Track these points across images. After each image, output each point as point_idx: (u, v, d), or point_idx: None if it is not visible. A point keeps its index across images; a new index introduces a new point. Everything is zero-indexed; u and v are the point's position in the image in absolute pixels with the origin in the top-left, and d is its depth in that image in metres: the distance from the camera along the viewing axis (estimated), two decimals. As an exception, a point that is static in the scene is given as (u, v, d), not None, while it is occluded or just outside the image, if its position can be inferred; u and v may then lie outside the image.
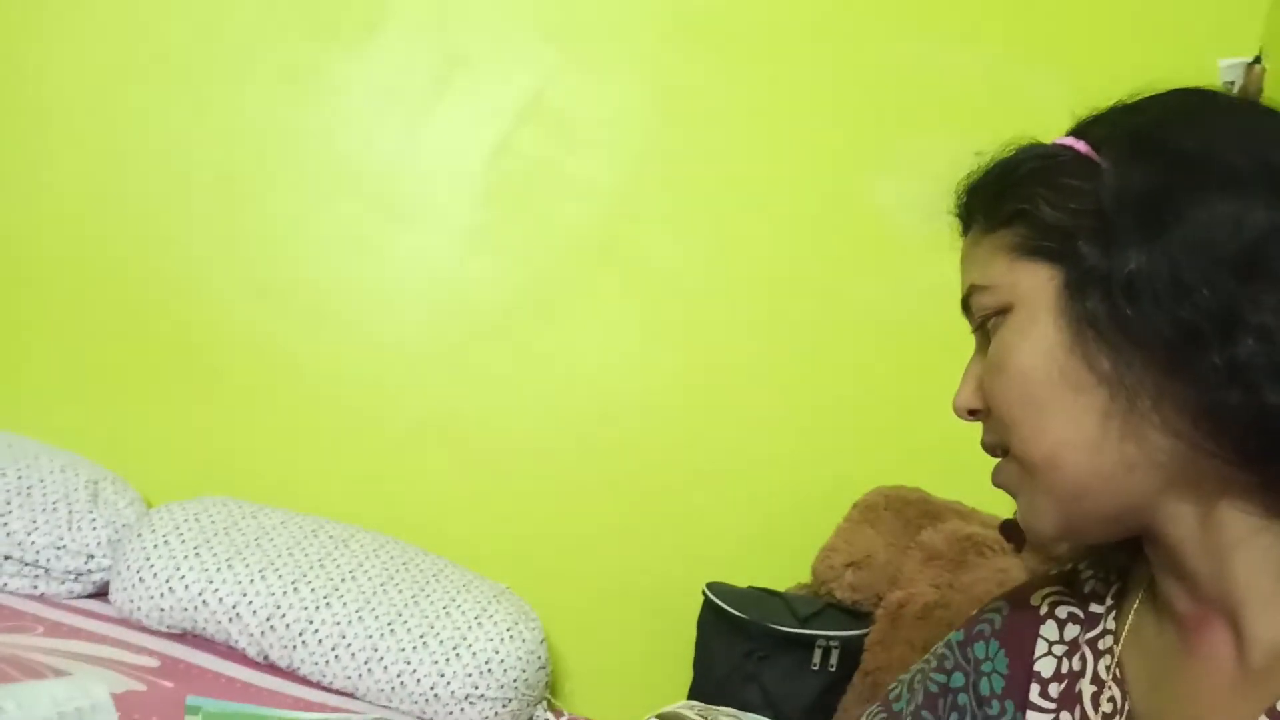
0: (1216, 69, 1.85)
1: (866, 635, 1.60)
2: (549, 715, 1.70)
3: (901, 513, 1.72)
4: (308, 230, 1.94)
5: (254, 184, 1.94)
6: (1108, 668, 0.64)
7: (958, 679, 0.72)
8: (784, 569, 1.81)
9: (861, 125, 1.89)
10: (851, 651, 1.60)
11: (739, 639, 1.65)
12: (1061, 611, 0.69)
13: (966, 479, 1.76)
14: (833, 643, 1.60)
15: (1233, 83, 1.85)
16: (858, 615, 1.65)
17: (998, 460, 0.66)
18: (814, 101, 1.90)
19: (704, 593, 1.73)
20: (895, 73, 1.88)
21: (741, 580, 1.78)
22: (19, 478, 1.70)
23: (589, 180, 1.91)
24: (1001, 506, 1.73)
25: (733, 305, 1.90)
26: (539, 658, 1.66)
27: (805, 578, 1.76)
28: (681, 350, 1.90)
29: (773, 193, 1.90)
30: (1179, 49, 1.85)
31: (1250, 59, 1.81)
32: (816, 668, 1.61)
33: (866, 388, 1.88)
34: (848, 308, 1.89)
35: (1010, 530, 1.60)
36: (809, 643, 1.60)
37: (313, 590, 1.62)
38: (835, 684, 1.60)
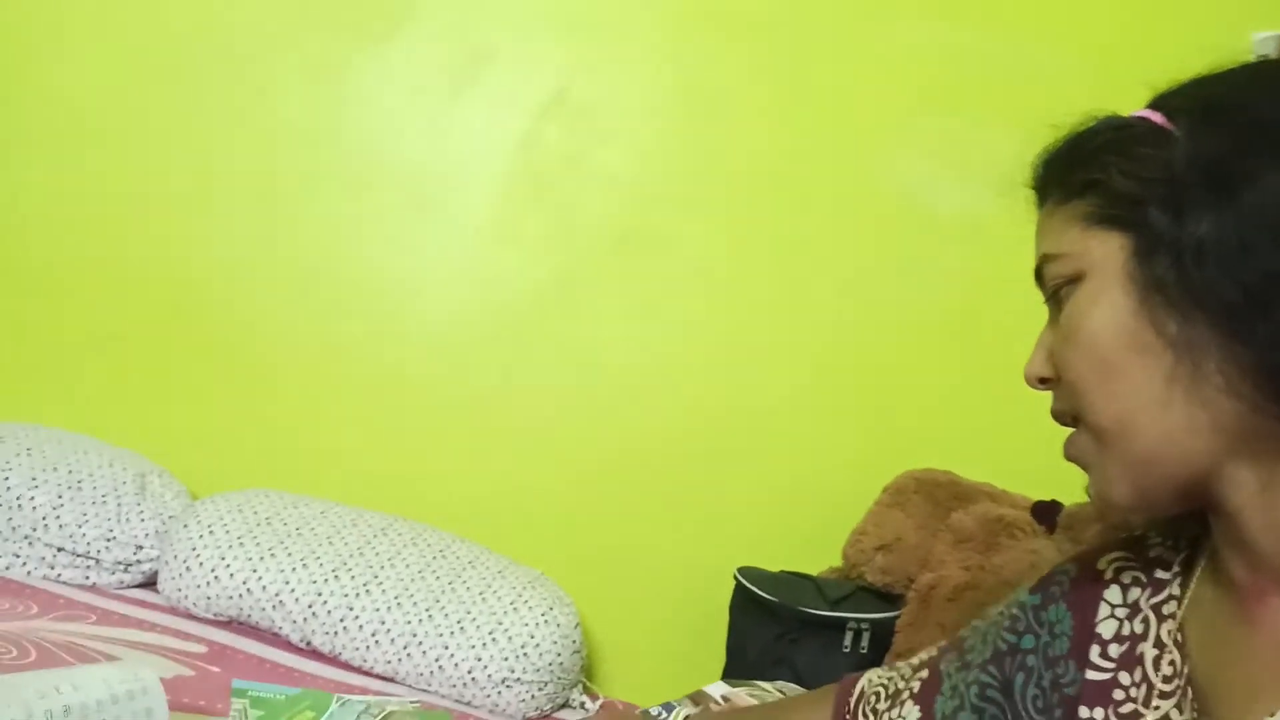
0: (1250, 43, 1.82)
1: (897, 618, 1.60)
2: (584, 698, 1.73)
3: (931, 495, 1.72)
4: (339, 225, 1.98)
5: (286, 181, 1.98)
6: (1170, 632, 0.65)
7: (1028, 640, 0.74)
8: (815, 553, 1.82)
9: (882, 109, 1.89)
10: (882, 634, 1.61)
11: (770, 622, 1.66)
12: (1126, 576, 0.70)
13: (996, 461, 1.77)
14: (863, 625, 1.61)
15: (1267, 56, 1.82)
16: (888, 598, 1.65)
17: (1069, 433, 0.67)
18: (834, 87, 1.89)
19: (735, 576, 1.74)
20: (915, 56, 1.87)
21: (773, 564, 1.79)
22: (69, 472, 1.76)
23: (613, 171, 1.93)
24: (1032, 488, 1.72)
25: (759, 291, 1.91)
26: (574, 642, 1.69)
27: (836, 561, 1.77)
28: (708, 337, 1.92)
29: (795, 178, 1.90)
30: (1211, 23, 1.81)
31: (1285, 32, 1.78)
32: (848, 650, 1.62)
33: (894, 371, 1.88)
34: (874, 291, 1.89)
35: (1041, 512, 1.59)
36: (840, 625, 1.62)
37: (353, 578, 1.66)
38: (866, 666, 1.60)
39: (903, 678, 0.82)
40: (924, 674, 0.80)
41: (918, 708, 0.78)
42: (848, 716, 0.84)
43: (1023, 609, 0.75)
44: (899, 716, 0.79)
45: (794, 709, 0.96)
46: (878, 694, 0.83)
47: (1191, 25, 1.79)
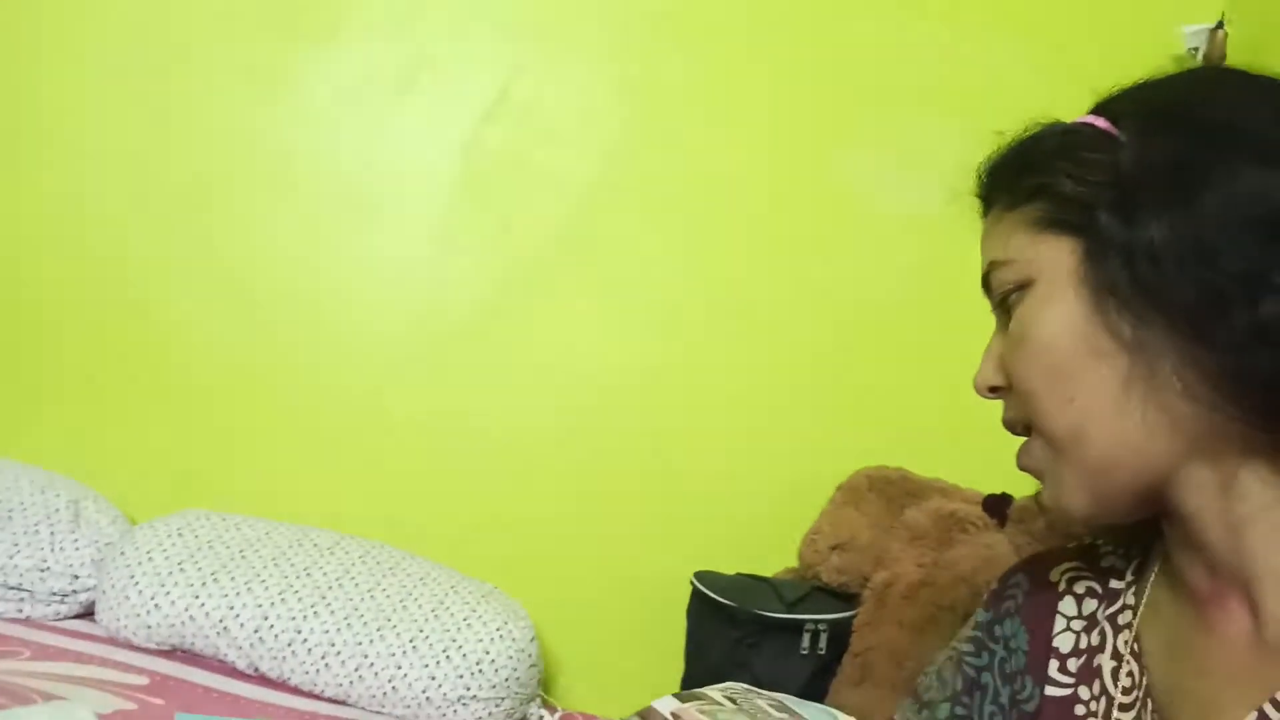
0: (1180, 36, 1.86)
1: (854, 617, 1.60)
2: (543, 712, 1.71)
3: (884, 492, 1.73)
4: (277, 235, 1.93)
5: (221, 190, 1.92)
6: (1126, 642, 0.65)
7: (983, 658, 0.73)
8: (771, 555, 1.82)
9: (830, 106, 1.89)
10: (840, 634, 1.61)
11: (728, 627, 1.65)
12: (1079, 587, 0.69)
13: (947, 457, 1.78)
14: (821, 626, 1.61)
15: (1196, 49, 1.85)
16: (845, 597, 1.65)
17: (1021, 441, 0.66)
18: (781, 85, 1.89)
19: (692, 582, 1.73)
20: (860, 52, 1.88)
21: (729, 568, 1.78)
22: (0, 500, 1.69)
23: (558, 174, 1.90)
24: (984, 483, 1.73)
25: (708, 293, 1.90)
26: (530, 655, 1.66)
27: (793, 562, 1.77)
28: (658, 340, 1.90)
29: (743, 179, 1.89)
30: (1142, 17, 1.85)
31: (1213, 24, 1.81)
32: (806, 652, 1.61)
33: (846, 370, 1.89)
34: (823, 291, 1.89)
35: (993, 506, 1.60)
36: (797, 627, 1.61)
37: (300, 599, 1.62)
38: (825, 667, 1.61)
39: None
40: None
41: None
42: None
43: (979, 628, 0.74)
44: None
45: None
46: None
47: (1125, 19, 1.83)
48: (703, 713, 1.32)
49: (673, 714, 1.31)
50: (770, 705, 0.95)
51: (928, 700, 0.76)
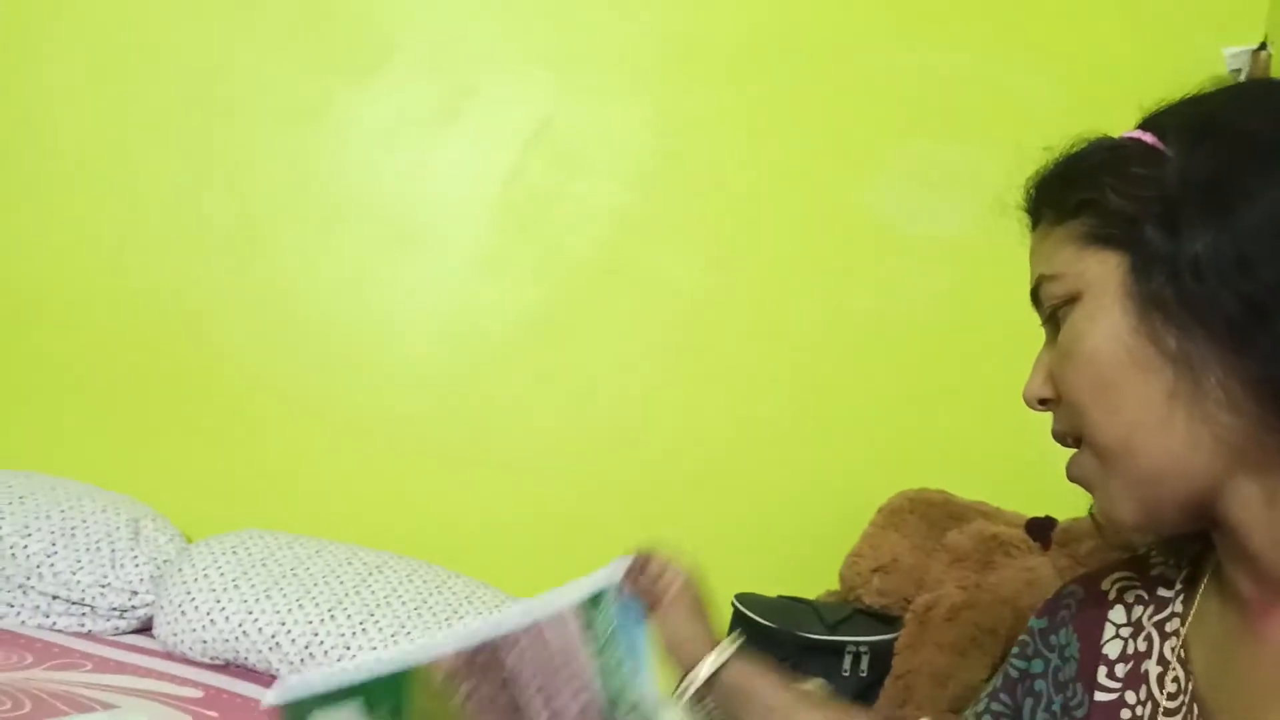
0: (1221, 57, 1.85)
1: (896, 639, 1.60)
2: None
3: (926, 515, 1.72)
4: (322, 263, 1.99)
5: (268, 220, 1.99)
6: (1173, 649, 0.65)
7: (1037, 665, 0.73)
8: (812, 576, 1.81)
9: (859, 134, 1.90)
10: (881, 656, 1.60)
11: (769, 648, 1.65)
12: (1129, 595, 0.70)
13: (990, 479, 1.77)
14: (862, 648, 1.61)
15: (1239, 70, 1.84)
16: (886, 620, 1.65)
17: (1062, 449, 0.67)
18: (811, 114, 1.91)
19: (733, 604, 1.73)
20: (889, 81, 1.89)
21: (770, 590, 1.78)
22: (62, 519, 1.76)
23: (595, 204, 1.94)
24: (1026, 505, 1.72)
25: (742, 319, 1.92)
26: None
27: (834, 584, 1.77)
28: (694, 366, 1.92)
29: (774, 206, 1.91)
30: (1182, 39, 1.85)
31: (1255, 46, 1.81)
32: (847, 674, 1.61)
33: (880, 393, 1.89)
34: (859, 315, 1.89)
35: (1035, 528, 1.59)
36: (838, 649, 1.61)
37: (349, 617, 1.66)
38: (867, 689, 1.60)
39: None
40: None
41: None
42: None
43: (1030, 634, 0.75)
44: None
45: None
46: None
47: (1165, 41, 1.82)
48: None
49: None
50: None
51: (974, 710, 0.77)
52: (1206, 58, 1.78)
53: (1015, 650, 0.76)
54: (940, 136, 1.86)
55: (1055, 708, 0.71)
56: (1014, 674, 0.75)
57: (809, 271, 1.91)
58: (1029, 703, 0.73)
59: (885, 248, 1.88)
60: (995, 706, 0.76)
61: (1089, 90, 1.77)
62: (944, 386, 1.87)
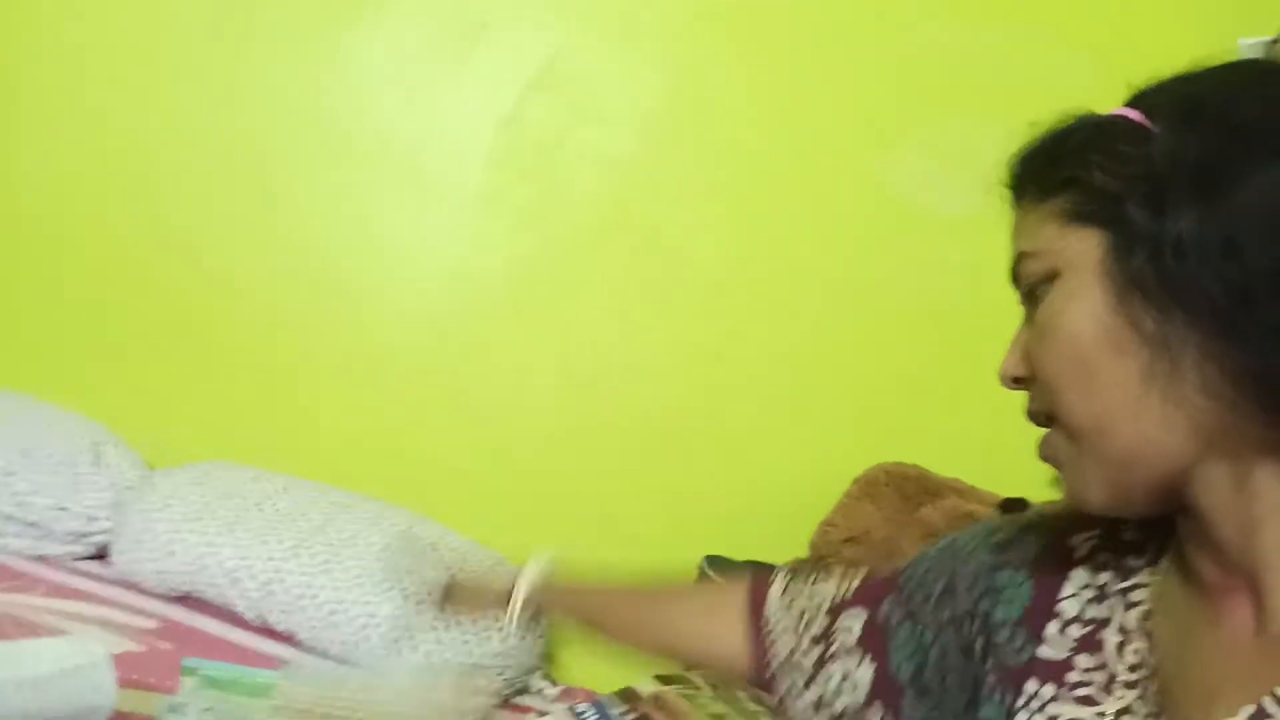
0: (1238, 48, 1.83)
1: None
2: (544, 684, 1.71)
3: (901, 489, 1.72)
4: (321, 195, 1.95)
5: (261, 152, 1.95)
6: (1137, 620, 0.65)
7: (984, 603, 0.73)
8: (783, 544, 1.81)
9: (879, 104, 1.87)
10: (847, 627, 1.60)
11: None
12: (1100, 556, 0.69)
13: (966, 457, 1.76)
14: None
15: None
16: (853, 592, 1.64)
17: (1040, 432, 0.66)
18: (831, 78, 1.88)
19: (701, 567, 1.73)
20: (914, 53, 1.86)
21: (740, 555, 1.78)
22: (22, 439, 1.72)
23: (601, 151, 1.90)
24: (1000, 485, 1.72)
25: (741, 280, 1.89)
26: (534, 628, 1.66)
27: (803, 553, 1.76)
28: (687, 323, 1.90)
29: (786, 168, 1.88)
30: (1201, 28, 1.82)
31: (1272, 38, 1.79)
32: (812, 643, 1.60)
33: (873, 365, 1.87)
34: (857, 286, 1.88)
35: (1009, 509, 1.59)
36: (804, 618, 1.60)
37: (313, 556, 1.63)
38: (831, 659, 1.60)
39: (826, 610, 0.81)
40: (858, 619, 0.79)
41: (871, 664, 0.76)
42: (765, 643, 0.83)
43: (981, 568, 0.74)
44: (842, 673, 0.77)
45: (686, 614, 0.93)
46: (800, 623, 0.82)
47: (1184, 28, 1.80)
48: (683, 696, 1.32)
49: (653, 695, 1.31)
50: (750, 696, 0.95)
51: (915, 612, 0.76)
52: (1223, 46, 1.76)
53: (965, 584, 0.74)
54: (950, 111, 1.84)
55: (984, 644, 0.70)
56: (967, 606, 0.73)
57: (817, 241, 1.88)
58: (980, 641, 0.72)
59: (892, 220, 1.86)
60: (944, 639, 0.74)
61: (1108, 75, 1.73)
62: (928, 361, 1.86)
